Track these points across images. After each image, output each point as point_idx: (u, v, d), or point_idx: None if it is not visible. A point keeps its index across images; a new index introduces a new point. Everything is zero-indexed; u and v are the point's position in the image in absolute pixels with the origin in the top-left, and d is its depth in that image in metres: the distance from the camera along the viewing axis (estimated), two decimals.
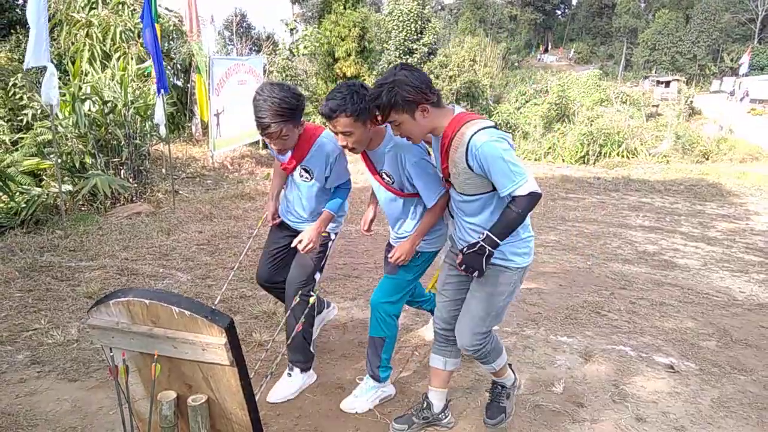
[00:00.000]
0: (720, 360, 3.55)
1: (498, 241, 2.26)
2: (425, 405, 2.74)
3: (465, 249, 2.33)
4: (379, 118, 2.34)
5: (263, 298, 4.28)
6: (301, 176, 2.93)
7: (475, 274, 2.33)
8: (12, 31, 14.85)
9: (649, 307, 4.44)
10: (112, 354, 2.07)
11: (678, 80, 43.78)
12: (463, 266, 2.33)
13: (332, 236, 3.10)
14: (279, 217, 3.16)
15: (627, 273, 5.29)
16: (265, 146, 13.71)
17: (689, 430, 2.79)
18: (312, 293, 2.91)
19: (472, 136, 2.21)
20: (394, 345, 2.98)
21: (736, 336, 3.93)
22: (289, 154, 2.88)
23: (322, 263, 3.07)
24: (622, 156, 16.61)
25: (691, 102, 30.49)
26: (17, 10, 17.54)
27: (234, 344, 1.99)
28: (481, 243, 2.28)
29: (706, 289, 4.92)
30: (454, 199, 2.47)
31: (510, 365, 2.79)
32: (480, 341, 2.51)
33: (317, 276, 3.04)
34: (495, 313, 2.50)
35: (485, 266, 2.30)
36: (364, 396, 2.95)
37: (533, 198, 2.20)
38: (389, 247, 3.07)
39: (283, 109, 2.59)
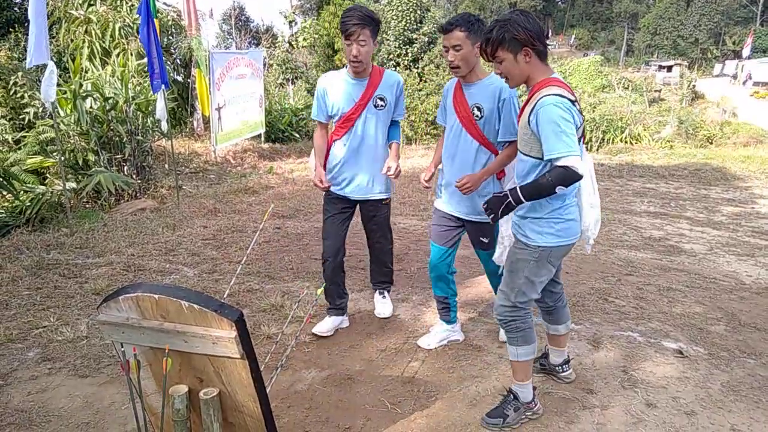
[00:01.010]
0: (729, 344, 3.55)
1: (521, 197, 2.35)
2: (545, 353, 3.11)
3: (494, 193, 2.53)
4: (487, 51, 2.42)
5: (270, 292, 4.29)
6: (376, 106, 3.34)
7: (491, 216, 2.46)
8: (11, 29, 14.83)
9: (657, 292, 4.43)
10: (123, 349, 2.08)
11: (680, 64, 43.54)
12: (486, 206, 2.48)
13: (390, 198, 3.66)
14: (329, 182, 3.48)
15: (633, 259, 5.28)
16: (268, 139, 13.70)
17: (700, 414, 2.79)
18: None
19: (544, 96, 2.29)
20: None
21: (744, 320, 3.92)
22: (360, 93, 3.29)
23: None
24: (626, 142, 16.55)
25: (694, 86, 30.35)
26: (15, 8, 17.50)
27: (244, 337, 1.99)
28: (506, 192, 2.40)
29: (713, 274, 4.91)
30: (517, 159, 2.58)
31: (534, 388, 2.74)
32: (505, 313, 2.61)
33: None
34: (517, 288, 2.56)
35: (500, 214, 2.43)
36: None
37: (567, 173, 2.21)
38: (443, 215, 3.27)
39: (366, 15, 3.09)
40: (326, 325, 3.63)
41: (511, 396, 2.72)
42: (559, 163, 2.22)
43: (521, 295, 2.57)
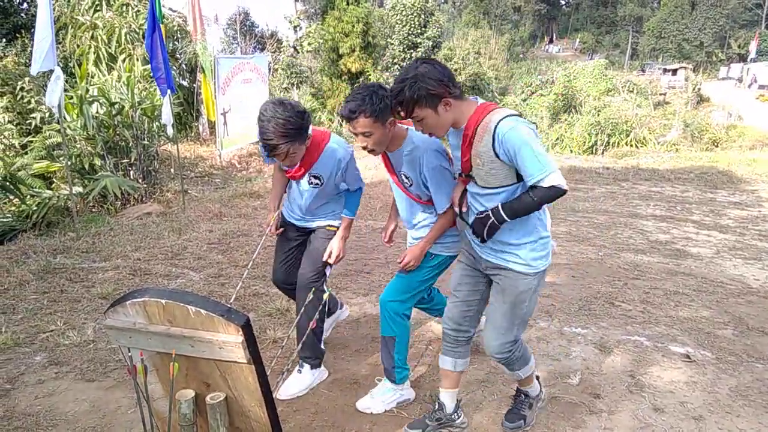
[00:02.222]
0: (736, 348, 3.53)
1: (504, 216, 2.23)
2: (437, 407, 2.69)
3: (477, 213, 2.34)
4: (402, 113, 2.25)
5: (276, 296, 4.29)
6: (310, 183, 2.95)
7: (479, 239, 2.33)
8: (17, 35, 14.93)
9: (663, 296, 4.41)
10: (130, 354, 2.08)
11: (685, 68, 43.41)
12: (472, 229, 2.35)
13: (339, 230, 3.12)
14: (282, 226, 3.18)
15: (639, 263, 5.26)
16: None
17: (707, 419, 2.78)
18: (326, 289, 2.92)
19: (498, 123, 2.16)
20: (407, 346, 2.94)
21: (752, 324, 3.90)
22: (296, 163, 2.87)
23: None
24: (631, 145, 16.51)
25: (699, 89, 30.22)
26: (22, 14, 17.63)
27: (251, 342, 1.99)
28: (488, 213, 2.26)
29: (720, 278, 4.89)
30: (474, 194, 2.39)
31: (538, 377, 2.74)
32: (509, 350, 2.48)
33: (327, 270, 3.07)
34: (520, 320, 2.46)
35: (486, 235, 2.29)
36: (380, 397, 2.90)
37: (554, 192, 2.14)
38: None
39: (288, 130, 2.60)
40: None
41: (522, 395, 2.73)
42: (545, 184, 2.12)
43: (522, 326, 2.49)
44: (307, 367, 3.08)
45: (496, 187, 2.28)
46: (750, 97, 35.27)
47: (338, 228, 3.09)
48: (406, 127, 2.65)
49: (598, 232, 6.44)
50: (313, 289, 2.87)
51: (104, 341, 3.51)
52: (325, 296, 2.81)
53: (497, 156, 2.19)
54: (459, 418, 2.70)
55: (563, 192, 2.15)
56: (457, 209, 2.52)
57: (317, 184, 2.95)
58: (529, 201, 2.19)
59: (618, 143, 16.72)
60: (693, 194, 8.86)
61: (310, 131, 2.77)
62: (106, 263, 5.08)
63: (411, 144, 2.64)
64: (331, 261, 2.98)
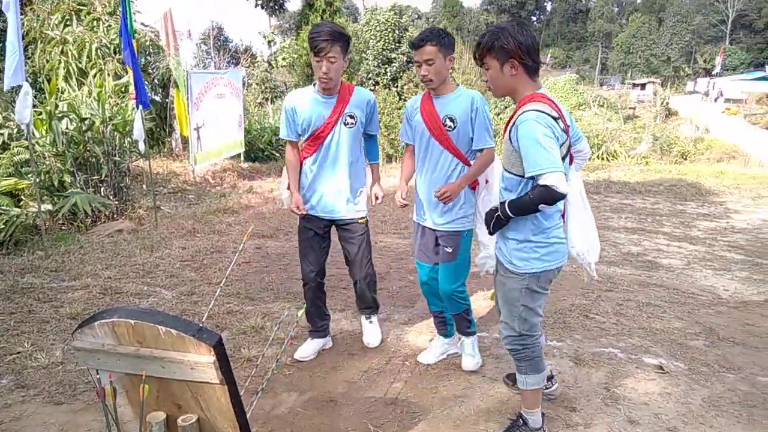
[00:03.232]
0: (708, 359, 3.58)
1: (508, 212, 2.37)
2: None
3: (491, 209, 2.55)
4: (477, 57, 2.44)
5: (250, 313, 4.23)
6: (346, 123, 3.30)
7: (486, 230, 2.55)
8: None
9: (636, 308, 4.46)
10: (98, 376, 2.03)
11: (653, 82, 44.48)
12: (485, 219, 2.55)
13: (367, 218, 3.57)
14: (305, 208, 3.43)
15: (612, 275, 5.33)
16: (248, 159, 13.65)
17: (681, 430, 2.80)
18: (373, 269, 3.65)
19: (525, 111, 2.27)
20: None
21: (722, 334, 3.96)
22: (322, 115, 3.25)
23: (371, 244, 3.63)
24: (602, 159, 16.79)
25: (667, 103, 30.98)
26: None
27: (223, 362, 1.95)
28: (497, 206, 2.45)
29: (691, 289, 4.97)
30: (502, 175, 2.54)
31: (544, 415, 2.70)
32: (513, 342, 2.59)
33: (372, 256, 3.68)
34: (517, 317, 2.53)
35: (492, 228, 2.49)
36: (469, 350, 3.40)
37: (548, 192, 2.18)
38: (423, 231, 3.29)
39: (335, 31, 3.07)
40: (308, 349, 3.59)
41: (521, 421, 2.68)
42: (540, 181, 2.19)
43: (524, 323, 2.53)
44: (373, 316, 3.81)
45: (509, 171, 2.42)
46: (716, 110, 36.24)
47: (366, 218, 3.53)
48: (458, 83, 3.16)
49: None
50: (371, 276, 3.63)
51: (73, 363, 3.42)
52: (300, 313, 2.82)
53: (511, 142, 2.34)
54: None
55: (560, 195, 2.19)
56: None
57: (352, 124, 3.31)
58: (527, 200, 2.29)
59: (590, 157, 17.00)
60: (663, 206, 9.02)
61: (347, 60, 3.20)
62: (76, 282, 4.97)
63: (462, 90, 3.08)
64: (379, 201, 3.50)
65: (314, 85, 3.31)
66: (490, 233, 2.52)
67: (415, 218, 3.33)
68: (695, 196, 9.86)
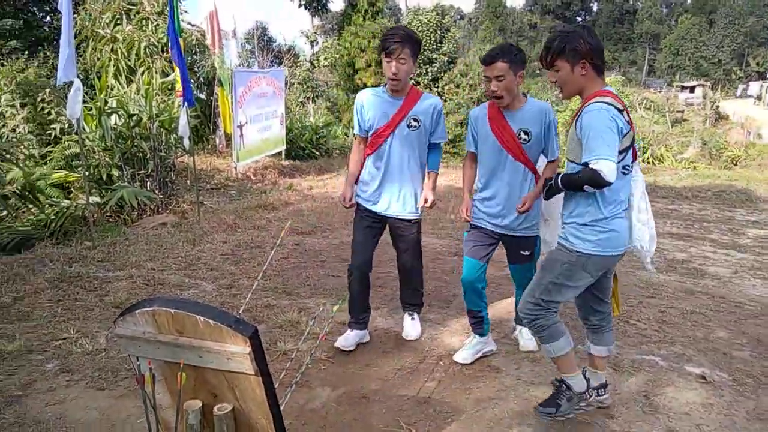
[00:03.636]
0: (754, 370, 3.45)
1: (560, 184, 2.52)
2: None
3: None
4: (546, 60, 2.54)
5: (287, 308, 4.28)
6: (410, 126, 3.38)
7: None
8: (40, 47, 15.22)
9: (680, 316, 4.34)
10: (138, 363, 2.08)
11: (703, 85, 43.18)
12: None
13: (420, 217, 3.64)
14: (354, 201, 3.57)
15: (656, 281, 5.19)
16: (289, 157, 13.82)
17: None
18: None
19: (592, 103, 2.40)
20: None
21: None
22: (389, 113, 3.35)
23: (421, 239, 3.72)
24: (648, 162, 16.37)
25: (717, 107, 30.02)
26: (44, 27, 17.98)
27: (258, 354, 1.98)
28: (554, 176, 2.60)
29: (738, 298, 4.80)
30: (567, 166, 2.65)
31: (585, 373, 2.77)
32: (527, 309, 2.66)
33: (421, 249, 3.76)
34: (544, 286, 2.61)
35: (546, 195, 2.69)
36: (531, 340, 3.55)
37: (594, 176, 2.30)
38: (483, 233, 3.33)
39: (407, 35, 3.20)
40: (349, 339, 3.62)
41: (564, 386, 2.72)
42: (591, 165, 2.31)
43: (546, 293, 2.61)
44: (416, 314, 3.89)
45: (573, 161, 2.55)
46: None
47: (419, 217, 3.61)
48: (527, 95, 3.19)
49: None
50: (419, 271, 3.77)
51: (116, 350, 3.52)
52: (335, 308, 2.84)
53: (577, 131, 2.45)
54: (590, 396, 2.78)
55: (604, 181, 2.30)
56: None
57: (416, 127, 3.38)
58: (576, 179, 2.44)
59: None
60: (711, 212, 8.75)
61: (415, 66, 3.31)
62: (121, 272, 5.12)
63: (533, 102, 3.16)
64: (427, 205, 3.50)
65: (384, 85, 3.45)
66: (546, 198, 2.72)
67: (474, 219, 3.35)
68: (745, 203, 9.53)
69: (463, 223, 3.47)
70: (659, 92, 39.93)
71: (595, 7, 78.19)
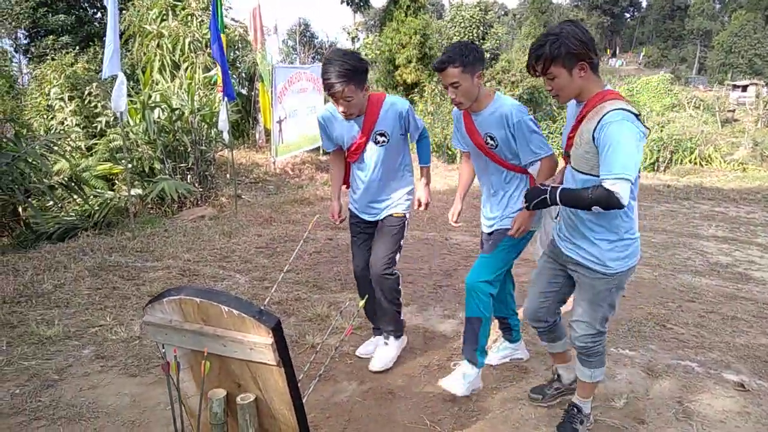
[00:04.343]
0: None
1: (557, 197, 2.27)
2: (556, 377, 2.93)
3: (539, 184, 2.45)
4: (538, 69, 2.29)
5: (317, 301, 4.31)
6: (377, 142, 3.10)
7: (525, 205, 2.42)
8: (90, 43, 15.68)
9: (720, 321, 4.19)
10: (164, 350, 2.12)
11: (756, 84, 41.57)
12: (525, 195, 2.43)
13: (407, 216, 3.31)
14: (343, 215, 3.41)
15: (697, 285, 5.03)
16: (327, 152, 13.92)
17: None
18: (395, 272, 3.22)
19: (612, 110, 2.16)
20: (489, 329, 3.00)
21: None
22: (355, 130, 3.07)
23: (401, 244, 3.28)
24: (695, 163, 15.91)
25: None
26: (95, 23, 18.54)
27: (281, 345, 2.00)
28: (548, 188, 2.32)
29: None
30: (566, 178, 2.45)
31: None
32: (589, 341, 2.53)
33: (397, 257, 3.27)
34: (601, 316, 2.49)
35: (533, 206, 2.37)
36: (462, 380, 2.95)
37: (611, 198, 2.10)
38: (483, 235, 3.19)
39: (345, 70, 2.80)
40: (368, 347, 3.53)
41: (575, 410, 2.69)
42: (607, 185, 2.10)
43: (605, 322, 2.52)
44: (392, 338, 3.38)
45: (583, 173, 2.30)
46: None
47: (404, 213, 3.28)
48: (495, 89, 2.88)
49: (655, 251, 6.19)
50: (387, 275, 3.18)
51: (149, 338, 3.61)
52: (361, 303, 2.83)
53: (594, 141, 2.20)
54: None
55: (620, 205, 2.11)
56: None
57: (384, 141, 3.10)
58: (585, 196, 2.19)
59: (681, 160, 16.14)
60: (759, 216, 8.42)
61: (368, 83, 2.97)
62: (158, 263, 5.24)
63: (496, 101, 2.82)
64: (422, 208, 3.28)
65: None
66: (528, 209, 2.42)
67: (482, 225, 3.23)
68: None
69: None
70: (706, 90, 38.66)
71: (644, 2, 76.14)
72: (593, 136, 2.19)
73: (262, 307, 2.06)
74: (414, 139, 3.28)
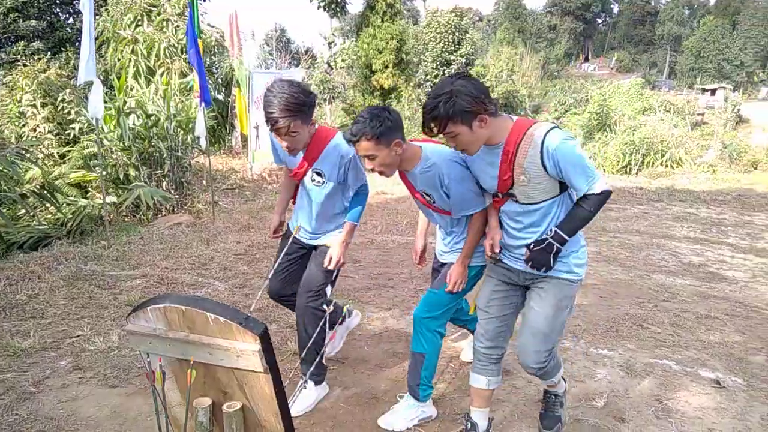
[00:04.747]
0: None
1: (566, 237, 2.25)
2: (469, 426, 2.62)
3: (532, 246, 2.31)
4: (435, 129, 2.21)
5: None
6: (313, 180, 2.88)
7: (543, 269, 2.31)
8: (62, 48, 15.44)
9: (694, 320, 4.29)
10: (149, 360, 2.10)
11: (724, 88, 42.57)
12: (530, 263, 2.31)
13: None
14: (281, 230, 3.22)
15: (671, 285, 5.13)
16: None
17: None
18: (325, 307, 2.86)
19: (545, 136, 2.16)
20: (436, 364, 2.89)
21: None
22: (300, 156, 2.84)
23: (334, 277, 3.01)
24: (666, 166, 16.18)
25: (738, 110, 29.58)
26: (67, 29, 18.25)
27: (268, 351, 1.99)
28: (550, 240, 2.26)
29: (754, 302, 4.73)
30: (510, 212, 2.38)
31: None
32: (546, 359, 2.45)
33: (328, 290, 2.98)
34: (559, 328, 2.45)
35: (553, 262, 2.29)
36: (402, 413, 2.86)
37: (605, 196, 2.22)
38: (436, 260, 3.08)
39: (291, 104, 2.54)
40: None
41: (552, 396, 2.72)
42: (596, 190, 2.18)
43: (559, 333, 2.49)
44: (311, 383, 3.03)
45: (539, 202, 2.29)
46: None
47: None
48: (420, 144, 2.63)
49: (630, 252, 6.30)
50: (314, 309, 2.88)
51: (128, 348, 3.56)
52: (346, 308, 2.84)
53: (545, 169, 2.19)
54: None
55: (610, 193, 2.24)
56: (490, 253, 2.49)
57: (319, 183, 2.87)
58: (586, 213, 2.23)
59: (653, 163, 16.39)
60: (729, 216, 8.62)
61: (314, 118, 2.74)
62: (135, 271, 5.17)
63: (426, 161, 2.60)
64: (331, 267, 2.89)
65: None
66: (550, 269, 2.32)
67: None
68: (764, 207, 9.39)
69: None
70: (673, 94, 39.43)
71: (615, 8, 77.45)
72: (544, 165, 2.18)
73: (249, 314, 2.06)
74: (350, 191, 2.99)
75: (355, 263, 5.59)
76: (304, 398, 2.97)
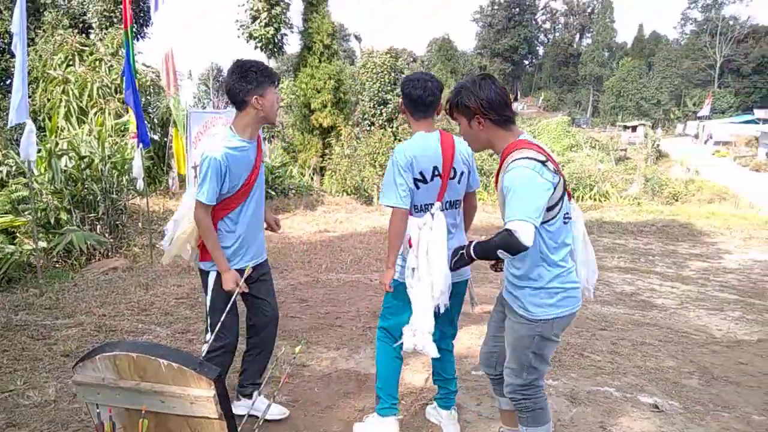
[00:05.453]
0: (703, 398, 3.59)
1: (472, 253, 2.39)
2: None
3: (456, 249, 2.54)
4: (448, 111, 2.48)
5: None
6: (262, 161, 3.09)
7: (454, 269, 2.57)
8: None
9: (631, 347, 4.48)
10: (98, 411, 2.04)
11: (644, 125, 45.22)
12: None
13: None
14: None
15: (607, 314, 5.36)
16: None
17: None
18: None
19: (514, 159, 2.22)
20: (392, 376, 2.97)
21: (716, 373, 3.98)
22: (255, 152, 2.98)
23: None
24: (594, 199, 16.97)
25: (658, 145, 31.46)
26: None
27: (222, 396, 1.98)
28: (462, 252, 2.46)
29: (684, 328, 5.00)
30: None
31: None
32: (516, 391, 2.47)
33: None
34: (527, 365, 2.41)
35: (452, 265, 2.53)
36: (359, 427, 2.97)
37: (510, 239, 2.11)
38: None
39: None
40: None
41: None
42: (510, 227, 2.13)
43: (533, 372, 2.43)
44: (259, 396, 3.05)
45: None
46: (706, 152, 36.77)
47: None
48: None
49: None
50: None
51: (66, 401, 3.40)
52: (298, 350, 2.83)
53: (503, 190, 2.27)
54: None
55: (520, 244, 2.10)
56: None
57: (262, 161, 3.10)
58: (491, 245, 2.24)
59: (582, 197, 17.17)
60: (655, 246, 9.09)
61: None
62: (70, 320, 4.95)
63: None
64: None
65: (231, 130, 2.91)
66: (452, 269, 2.55)
67: None
68: (687, 237, 9.96)
69: None
70: (592, 130, 41.52)
71: (541, 50, 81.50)
72: (502, 185, 2.27)
73: (202, 359, 2.04)
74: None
75: (302, 303, 5.55)
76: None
